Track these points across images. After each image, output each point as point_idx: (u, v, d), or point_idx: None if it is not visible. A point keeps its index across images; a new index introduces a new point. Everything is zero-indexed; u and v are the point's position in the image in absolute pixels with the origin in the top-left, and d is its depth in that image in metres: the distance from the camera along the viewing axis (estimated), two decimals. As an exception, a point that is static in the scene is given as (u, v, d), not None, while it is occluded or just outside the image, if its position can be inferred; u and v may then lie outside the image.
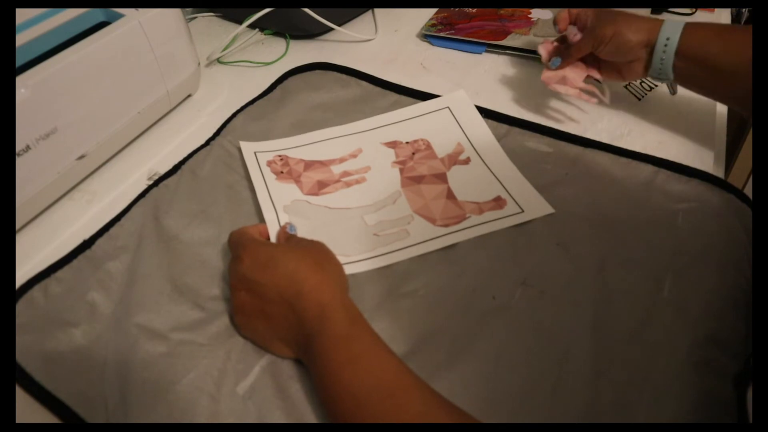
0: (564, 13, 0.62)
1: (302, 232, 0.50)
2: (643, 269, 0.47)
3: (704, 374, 0.41)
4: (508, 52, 0.75)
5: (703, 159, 0.59)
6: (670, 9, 0.83)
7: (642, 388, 0.40)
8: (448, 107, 0.64)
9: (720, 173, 0.58)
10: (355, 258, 0.49)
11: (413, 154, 0.59)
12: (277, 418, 0.39)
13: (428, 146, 0.60)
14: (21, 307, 0.45)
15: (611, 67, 0.61)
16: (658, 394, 0.40)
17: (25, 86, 0.46)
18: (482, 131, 0.61)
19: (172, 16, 0.60)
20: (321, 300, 0.39)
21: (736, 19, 0.93)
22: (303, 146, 0.60)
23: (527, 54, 0.74)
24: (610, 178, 0.56)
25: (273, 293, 0.40)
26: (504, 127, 0.62)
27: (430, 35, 0.78)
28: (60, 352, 0.42)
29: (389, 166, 0.58)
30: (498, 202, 0.53)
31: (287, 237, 0.48)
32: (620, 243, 0.50)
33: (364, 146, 0.61)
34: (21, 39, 0.50)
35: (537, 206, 0.53)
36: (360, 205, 0.55)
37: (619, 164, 0.57)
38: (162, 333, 0.43)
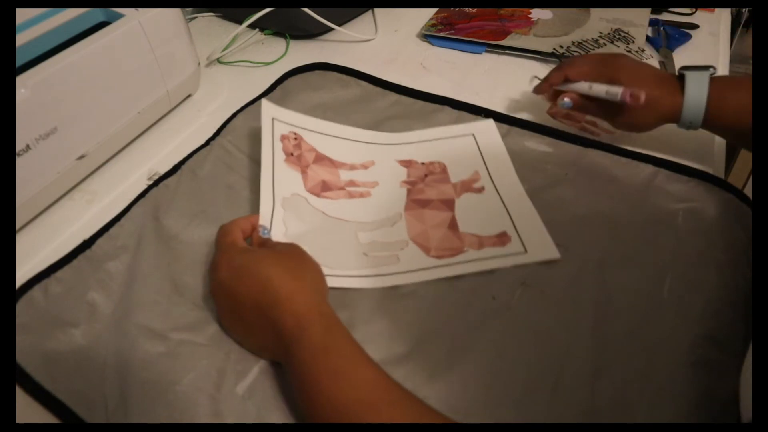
0: (546, 84, 0.59)
1: (291, 233, 0.49)
2: (643, 269, 0.47)
3: (704, 374, 0.41)
4: (508, 52, 0.75)
5: (703, 159, 0.59)
6: (671, 9, 0.83)
7: (642, 388, 0.40)
8: (473, 134, 0.61)
9: (720, 173, 0.58)
10: (337, 272, 0.47)
11: (426, 176, 0.57)
12: (277, 418, 0.39)
13: (443, 170, 0.57)
14: (21, 307, 0.45)
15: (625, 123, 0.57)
16: (658, 394, 0.40)
17: (25, 86, 0.46)
18: (504, 163, 0.57)
19: (172, 16, 0.60)
20: (296, 309, 0.38)
21: (736, 19, 0.93)
22: (320, 134, 0.58)
23: (527, 54, 0.74)
24: (610, 178, 0.56)
25: (248, 302, 0.39)
26: (504, 127, 0.62)
27: (430, 35, 0.78)
28: (60, 352, 0.42)
29: (397, 186, 0.56)
30: (501, 238, 0.50)
31: (261, 241, 0.46)
32: (620, 243, 0.50)
33: (379, 160, 0.58)
34: (21, 39, 0.50)
35: (542, 248, 0.49)
36: (357, 220, 0.52)
37: (619, 164, 0.57)
38: (162, 333, 0.43)
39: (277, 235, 0.48)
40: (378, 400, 0.34)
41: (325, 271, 0.44)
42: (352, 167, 0.57)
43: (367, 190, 0.55)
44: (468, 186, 0.55)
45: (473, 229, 0.51)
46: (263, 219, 0.48)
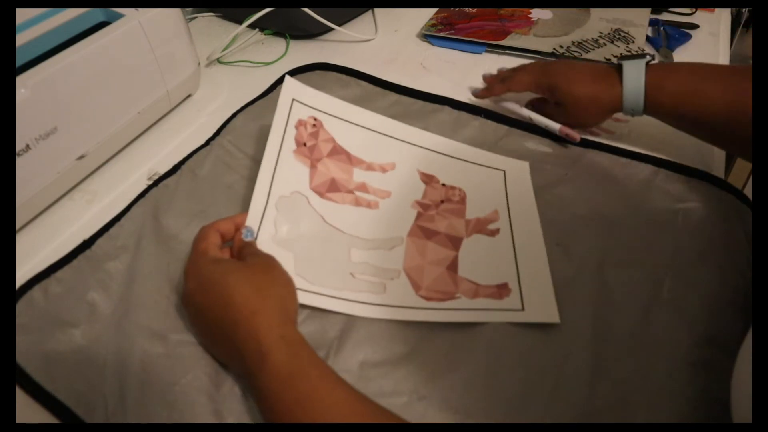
0: (487, 93, 0.62)
1: (280, 237, 0.46)
2: (643, 269, 0.47)
3: (703, 374, 0.41)
4: (508, 52, 0.75)
5: (703, 159, 0.59)
6: (671, 9, 0.83)
7: (641, 388, 0.40)
8: (504, 171, 0.56)
9: (720, 173, 0.58)
10: (315, 289, 0.44)
11: (442, 201, 0.53)
12: (277, 418, 0.39)
13: (461, 200, 0.53)
14: (21, 308, 0.45)
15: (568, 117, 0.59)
16: (658, 394, 0.40)
17: (25, 86, 0.46)
18: (529, 209, 0.53)
19: (172, 16, 0.60)
20: (256, 333, 0.36)
21: (736, 19, 0.93)
22: (345, 121, 0.54)
23: (527, 54, 0.74)
24: (610, 178, 0.56)
25: (212, 317, 0.38)
26: (504, 128, 0.62)
27: (430, 35, 0.78)
28: (60, 353, 0.42)
29: (408, 205, 0.52)
30: (500, 290, 0.46)
31: (240, 246, 0.44)
32: (620, 243, 0.50)
33: (401, 162, 0.54)
34: (21, 39, 0.50)
35: (541, 310, 0.45)
36: (355, 234, 0.49)
37: (619, 164, 0.58)
38: (161, 333, 0.43)
39: (264, 238, 0.45)
40: (354, 418, 0.33)
41: (304, 285, 0.43)
42: (370, 167, 0.53)
43: (375, 201, 0.52)
44: (482, 226, 0.51)
45: (473, 275, 0.47)
46: (251, 219, 0.46)
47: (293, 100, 0.52)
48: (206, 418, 0.39)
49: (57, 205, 0.55)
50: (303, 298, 0.43)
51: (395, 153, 0.55)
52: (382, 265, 0.47)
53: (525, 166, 0.57)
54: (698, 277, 0.47)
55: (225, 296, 0.38)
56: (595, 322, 0.44)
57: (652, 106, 0.53)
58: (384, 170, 0.53)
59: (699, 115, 0.51)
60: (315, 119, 0.52)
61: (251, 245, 0.44)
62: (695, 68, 0.52)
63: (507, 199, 0.54)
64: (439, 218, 0.51)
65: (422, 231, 0.50)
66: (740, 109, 0.48)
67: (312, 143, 0.51)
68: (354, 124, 0.54)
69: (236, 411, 0.39)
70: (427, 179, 0.54)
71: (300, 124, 0.51)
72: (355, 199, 0.51)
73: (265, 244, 0.45)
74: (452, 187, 0.54)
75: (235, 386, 0.40)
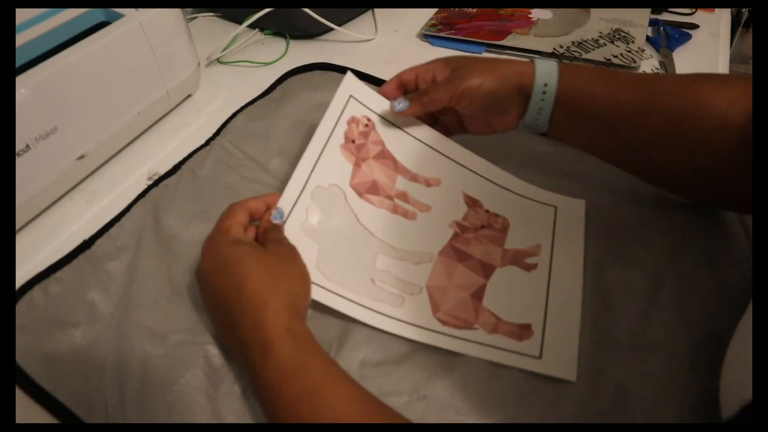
0: (393, 80, 0.51)
1: (309, 227, 0.45)
2: (643, 269, 0.47)
3: (703, 374, 0.41)
4: (508, 52, 0.75)
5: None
6: (671, 9, 0.83)
7: (642, 388, 0.40)
8: (556, 207, 0.53)
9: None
10: (332, 287, 0.43)
11: (482, 227, 0.50)
12: (277, 418, 0.39)
13: (504, 228, 0.50)
14: (21, 308, 0.45)
15: (475, 120, 0.52)
16: (658, 394, 0.40)
17: (25, 86, 0.46)
18: (576, 249, 0.49)
19: (172, 16, 0.60)
20: (264, 323, 0.35)
21: (736, 19, 0.93)
22: (398, 128, 0.52)
23: (527, 54, 0.74)
24: (609, 177, 0.56)
25: (222, 301, 0.38)
26: (504, 127, 0.62)
27: (430, 35, 0.78)
28: (59, 353, 0.42)
29: (446, 223, 0.50)
30: (521, 331, 0.43)
31: (266, 228, 0.43)
32: (620, 243, 0.50)
33: (446, 180, 0.52)
34: (21, 39, 0.50)
35: (560, 363, 0.41)
36: (385, 240, 0.48)
37: (619, 164, 0.57)
38: (161, 333, 0.43)
39: (292, 224, 0.44)
40: (358, 416, 0.33)
41: (321, 281, 0.42)
42: (414, 178, 0.51)
43: (414, 212, 0.50)
44: (519, 259, 0.48)
45: (497, 308, 0.45)
46: (284, 202, 0.45)
47: (350, 96, 0.51)
48: (206, 418, 0.39)
49: (57, 205, 0.55)
50: (317, 294, 0.42)
51: (443, 170, 0.53)
52: (406, 278, 0.46)
53: (581, 204, 0.53)
54: (698, 277, 0.47)
55: (238, 282, 0.37)
56: (595, 322, 0.44)
57: (566, 90, 0.46)
58: (428, 184, 0.52)
59: (611, 104, 0.45)
60: (368, 119, 0.51)
61: (278, 230, 0.43)
62: (604, 70, 0.49)
63: (553, 236, 0.50)
64: (475, 242, 0.49)
65: (455, 252, 0.48)
66: (653, 102, 0.45)
67: (361, 142, 0.50)
68: (406, 133, 0.53)
69: (236, 411, 0.39)
70: (471, 203, 0.52)
71: (353, 120, 0.50)
72: (394, 206, 0.50)
73: (292, 229, 0.44)
74: (496, 215, 0.51)
75: (235, 386, 0.40)
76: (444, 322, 0.44)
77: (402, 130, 0.52)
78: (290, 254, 0.41)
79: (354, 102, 0.51)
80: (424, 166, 0.52)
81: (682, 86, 0.45)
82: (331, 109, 0.50)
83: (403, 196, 0.50)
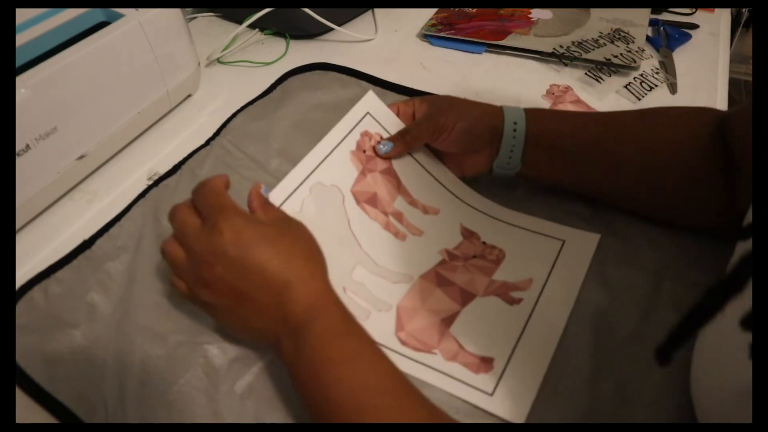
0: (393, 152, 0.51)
1: (302, 218, 0.42)
2: (643, 269, 0.47)
3: (704, 374, 0.41)
4: (508, 52, 0.75)
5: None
6: (671, 9, 0.83)
7: (642, 388, 0.40)
8: (564, 241, 0.50)
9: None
10: None
11: (474, 256, 0.49)
12: (276, 417, 0.39)
13: (497, 260, 0.48)
14: (21, 308, 0.45)
15: (449, 159, 0.54)
16: (658, 394, 0.40)
17: (25, 86, 0.46)
18: (568, 291, 0.46)
19: (172, 16, 0.60)
20: (313, 293, 0.37)
21: (736, 19, 0.93)
22: (408, 153, 0.52)
23: (527, 54, 0.74)
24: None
25: (258, 278, 0.36)
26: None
27: (430, 35, 0.78)
28: (60, 353, 0.42)
29: (436, 250, 0.49)
30: (481, 364, 0.41)
31: (262, 202, 0.41)
32: (620, 243, 0.50)
33: (444, 211, 0.52)
34: (21, 39, 0.50)
35: (510, 405, 0.39)
36: (369, 253, 0.47)
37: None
38: (161, 334, 0.43)
39: (286, 211, 0.44)
40: (399, 388, 0.34)
41: None
42: (413, 203, 0.51)
43: (405, 233, 0.49)
44: (504, 291, 0.46)
45: (463, 337, 0.43)
46: (281, 189, 0.45)
47: (368, 113, 0.51)
48: (206, 418, 0.39)
49: (57, 205, 0.55)
50: None
51: (443, 202, 0.52)
52: (378, 294, 0.45)
53: (593, 239, 0.50)
54: (698, 276, 0.47)
55: (281, 257, 0.37)
56: (595, 322, 0.44)
57: (534, 128, 0.49)
58: (426, 212, 0.51)
59: (575, 138, 0.49)
60: (381, 137, 0.51)
61: (271, 204, 0.42)
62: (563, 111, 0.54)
63: (551, 271, 0.47)
64: (462, 270, 0.47)
65: (437, 277, 0.47)
66: (610, 133, 0.49)
67: (371, 154, 0.51)
68: (415, 159, 0.53)
69: (236, 411, 0.39)
70: (468, 234, 0.50)
71: (366, 134, 0.51)
72: (387, 222, 0.49)
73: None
74: (492, 247, 0.49)
75: (235, 386, 0.40)
76: (403, 342, 0.43)
77: (411, 155, 0.53)
78: (305, 228, 0.41)
79: (370, 118, 0.51)
80: (426, 194, 0.52)
81: (636, 116, 0.50)
82: (346, 118, 0.50)
83: (399, 216, 0.50)
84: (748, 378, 0.26)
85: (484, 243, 0.50)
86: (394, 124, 0.52)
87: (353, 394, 0.34)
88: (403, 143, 0.51)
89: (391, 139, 0.50)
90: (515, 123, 0.49)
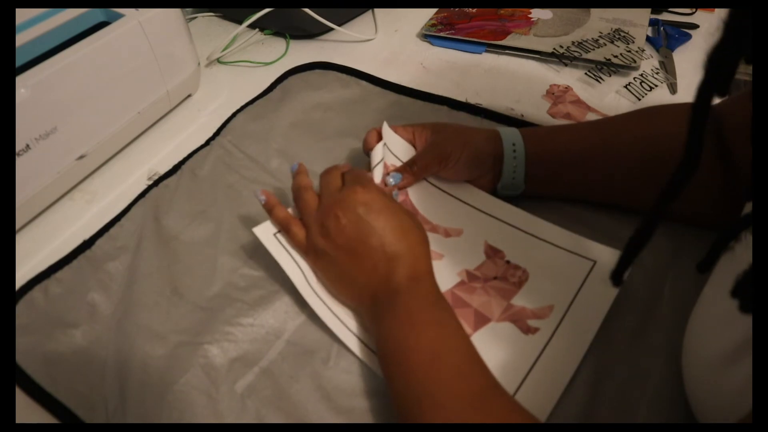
0: (373, 132, 0.52)
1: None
2: (643, 269, 0.47)
3: (704, 374, 0.41)
4: (508, 52, 0.75)
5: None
6: (671, 9, 0.83)
7: (642, 388, 0.40)
8: (595, 261, 0.47)
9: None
10: (327, 301, 0.44)
11: (495, 278, 0.47)
12: (276, 417, 0.39)
13: (519, 282, 0.46)
14: (21, 308, 0.45)
15: None
16: (658, 394, 0.40)
17: (25, 86, 0.46)
18: (594, 314, 0.43)
19: (172, 16, 0.60)
20: (419, 267, 0.41)
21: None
22: (423, 179, 0.52)
23: (527, 54, 0.74)
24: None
25: (375, 241, 0.41)
26: (504, 127, 0.62)
27: (430, 35, 0.78)
28: (60, 353, 0.42)
29: (455, 272, 0.47)
30: None
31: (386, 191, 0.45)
32: (620, 242, 0.50)
33: (468, 229, 0.50)
34: (21, 39, 0.50)
35: None
36: None
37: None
38: (161, 334, 0.43)
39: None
40: (469, 353, 0.37)
41: (321, 292, 0.44)
42: (434, 229, 0.50)
43: None
44: (520, 318, 0.44)
45: None
46: (377, 172, 0.48)
47: (384, 144, 0.51)
48: (206, 418, 0.39)
49: (57, 205, 0.55)
50: (314, 303, 0.43)
51: (465, 220, 0.51)
52: None
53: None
54: (698, 276, 0.47)
55: (404, 229, 0.42)
56: (595, 322, 0.44)
57: (531, 145, 0.50)
58: (448, 235, 0.50)
59: (573, 144, 0.50)
60: (390, 167, 0.51)
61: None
62: (555, 125, 0.54)
63: (575, 296, 0.45)
64: (480, 292, 0.46)
65: (452, 297, 0.45)
66: (606, 136, 0.50)
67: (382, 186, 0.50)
68: (430, 183, 0.53)
69: (236, 411, 0.39)
70: (492, 253, 0.48)
71: (385, 166, 0.50)
72: None
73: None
74: (516, 267, 0.47)
75: (235, 386, 0.40)
76: None
77: (426, 180, 0.53)
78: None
79: (386, 149, 0.51)
80: (446, 216, 0.51)
81: (630, 116, 0.52)
82: (374, 151, 0.50)
83: None
84: (735, 339, 0.30)
85: (507, 262, 0.48)
86: (406, 151, 0.52)
87: (433, 350, 0.36)
88: (411, 174, 0.50)
89: (399, 170, 0.50)
90: (514, 144, 0.50)
